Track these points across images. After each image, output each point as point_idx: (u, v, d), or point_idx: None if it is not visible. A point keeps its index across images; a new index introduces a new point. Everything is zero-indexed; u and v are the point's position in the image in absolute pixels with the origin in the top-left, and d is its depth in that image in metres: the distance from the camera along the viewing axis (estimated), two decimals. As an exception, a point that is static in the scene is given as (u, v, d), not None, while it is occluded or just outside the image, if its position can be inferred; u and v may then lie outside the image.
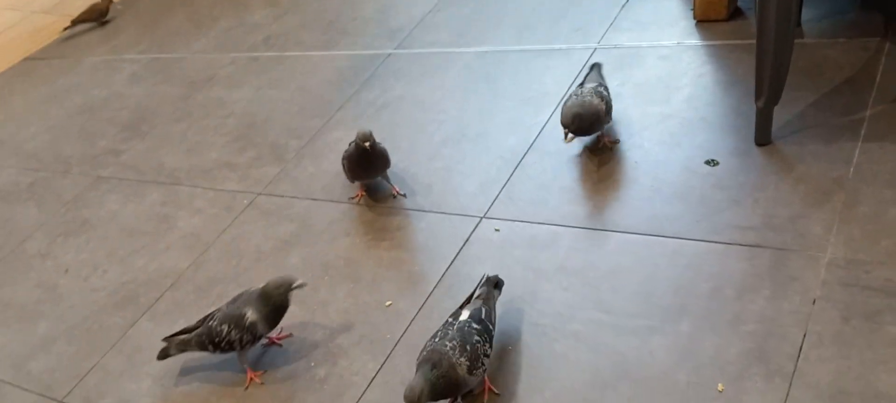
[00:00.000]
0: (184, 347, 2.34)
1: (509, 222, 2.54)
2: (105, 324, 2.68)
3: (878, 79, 2.58)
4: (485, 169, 2.80)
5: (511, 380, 2.06)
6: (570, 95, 2.63)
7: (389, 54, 3.69)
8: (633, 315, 2.11)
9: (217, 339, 2.26)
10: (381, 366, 2.21)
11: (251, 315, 2.24)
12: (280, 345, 2.37)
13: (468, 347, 1.92)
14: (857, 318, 1.92)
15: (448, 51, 3.56)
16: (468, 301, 2.11)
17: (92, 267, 2.97)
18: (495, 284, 2.18)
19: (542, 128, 2.88)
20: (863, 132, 2.41)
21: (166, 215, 3.13)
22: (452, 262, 2.47)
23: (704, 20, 3.16)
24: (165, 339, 2.35)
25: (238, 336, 2.24)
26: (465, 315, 2.03)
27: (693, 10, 3.19)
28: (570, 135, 2.53)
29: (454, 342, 1.92)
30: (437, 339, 1.96)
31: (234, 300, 2.32)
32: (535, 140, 2.85)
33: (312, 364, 2.29)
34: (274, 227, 2.87)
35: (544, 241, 2.43)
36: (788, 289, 2.04)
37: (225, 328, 2.25)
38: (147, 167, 3.48)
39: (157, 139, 3.66)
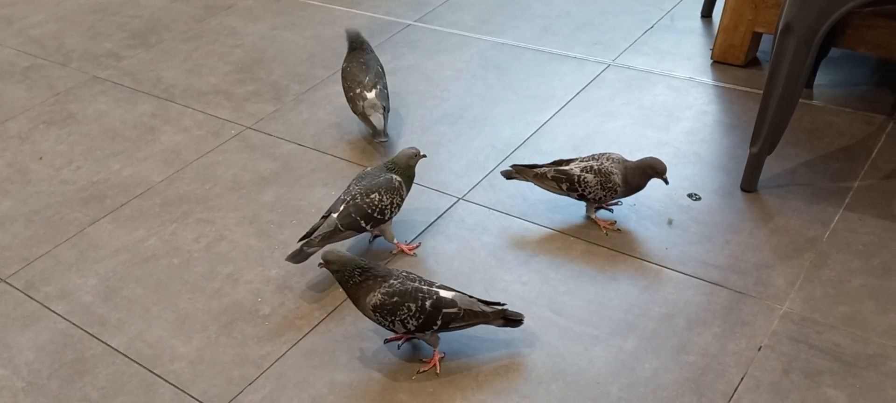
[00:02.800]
0: (328, 239, 2.28)
1: (486, 209, 2.53)
2: (66, 217, 2.67)
3: (874, 154, 2.58)
4: (474, 153, 2.79)
5: (450, 356, 2.05)
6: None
7: (409, 25, 3.67)
8: (582, 321, 2.10)
9: (370, 209, 2.30)
10: (328, 315, 2.20)
11: (397, 178, 2.35)
12: (413, 255, 2.38)
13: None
14: (797, 373, 1.91)
15: (467, 34, 3.54)
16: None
17: (67, 160, 2.96)
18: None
19: (540, 128, 2.87)
20: (847, 200, 2.40)
21: (152, 127, 3.12)
22: (420, 233, 2.46)
23: (721, 61, 3.15)
24: (303, 240, 2.28)
25: (389, 200, 2.32)
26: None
27: (712, 49, 3.18)
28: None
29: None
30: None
31: (360, 179, 2.37)
32: (529, 137, 2.84)
33: (259, 299, 2.28)
34: (255, 162, 2.86)
35: (514, 234, 2.42)
36: (737, 332, 2.03)
37: (376, 196, 2.31)
38: (145, 77, 3.47)
39: (162, 53, 3.65)
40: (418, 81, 3.24)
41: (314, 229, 2.30)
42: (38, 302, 2.35)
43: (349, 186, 2.37)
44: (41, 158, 2.99)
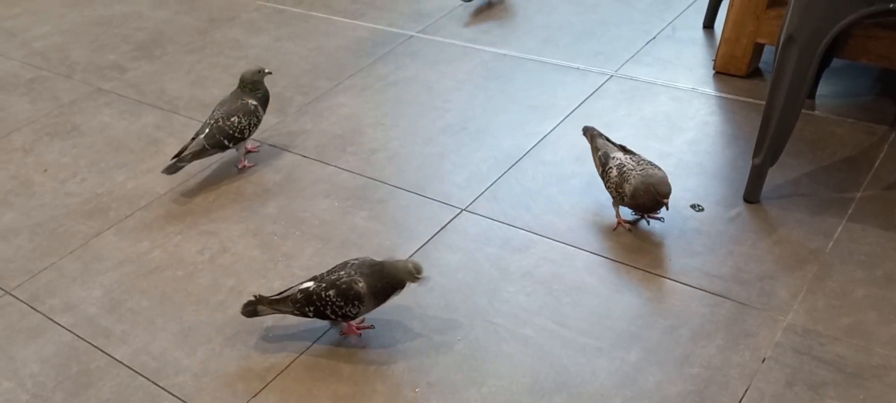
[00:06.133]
0: (197, 156, 2.73)
1: (489, 220, 2.54)
2: (70, 229, 2.68)
3: (876, 164, 2.58)
4: (477, 164, 2.79)
5: (453, 369, 2.05)
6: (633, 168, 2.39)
7: (411, 36, 3.68)
8: (585, 333, 2.10)
9: (231, 131, 2.74)
10: (331, 327, 2.20)
11: (252, 102, 2.80)
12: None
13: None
14: (801, 385, 1.91)
15: (469, 45, 3.56)
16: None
17: (71, 172, 2.97)
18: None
19: (542, 138, 2.88)
20: (850, 211, 2.40)
21: (156, 139, 3.13)
22: (424, 245, 2.46)
23: (723, 72, 3.16)
24: (176, 157, 2.70)
25: (247, 121, 2.78)
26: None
27: (715, 60, 3.19)
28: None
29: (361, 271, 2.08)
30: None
31: (221, 105, 2.79)
32: (532, 147, 2.84)
33: (263, 311, 2.28)
34: (259, 174, 2.87)
35: (518, 245, 2.43)
36: (741, 343, 2.03)
37: (235, 119, 2.74)
38: (149, 89, 3.48)
39: (166, 65, 3.67)
40: (420, 92, 3.25)
41: (184, 149, 2.72)
42: (42, 314, 2.35)
43: (212, 112, 2.78)
44: (45, 170, 3.00)
